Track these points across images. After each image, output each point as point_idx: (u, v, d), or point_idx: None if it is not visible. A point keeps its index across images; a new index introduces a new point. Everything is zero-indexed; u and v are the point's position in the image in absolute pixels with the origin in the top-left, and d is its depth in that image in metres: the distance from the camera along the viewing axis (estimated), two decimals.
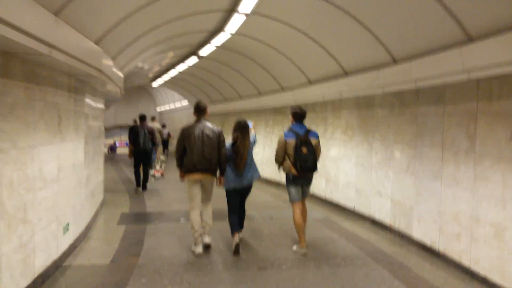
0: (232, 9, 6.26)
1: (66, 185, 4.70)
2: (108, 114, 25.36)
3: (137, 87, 28.24)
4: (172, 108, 24.87)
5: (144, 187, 9.26)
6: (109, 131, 30.19)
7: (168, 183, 10.37)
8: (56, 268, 4.32)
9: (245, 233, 5.73)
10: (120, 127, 30.57)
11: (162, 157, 9.54)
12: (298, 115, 5.14)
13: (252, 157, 5.23)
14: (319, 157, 5.12)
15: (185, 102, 20.71)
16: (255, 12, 6.25)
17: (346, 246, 5.35)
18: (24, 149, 3.51)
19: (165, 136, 18.47)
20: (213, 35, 7.97)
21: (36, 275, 3.80)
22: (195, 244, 5.00)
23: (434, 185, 5.00)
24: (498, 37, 3.72)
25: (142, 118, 9.27)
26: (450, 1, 4.03)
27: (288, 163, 5.00)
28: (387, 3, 4.77)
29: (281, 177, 5.35)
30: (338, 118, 7.64)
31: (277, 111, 10.50)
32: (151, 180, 9.40)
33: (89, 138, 6.11)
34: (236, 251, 4.97)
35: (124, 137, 25.32)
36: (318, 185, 8.37)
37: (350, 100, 7.18)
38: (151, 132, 9.10)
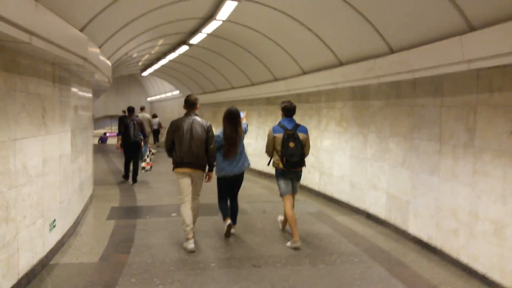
0: None
1: (52, 180, 4.50)
2: (98, 104, 24.97)
3: (128, 77, 27.84)
4: (163, 98, 24.56)
5: (135, 180, 9.11)
6: (99, 121, 29.81)
7: (158, 175, 10.17)
8: (42, 267, 4.14)
9: (238, 227, 5.60)
10: (111, 117, 30.20)
11: (154, 150, 9.37)
12: (288, 110, 5.22)
13: (243, 146, 5.30)
14: (308, 152, 5.23)
15: (176, 92, 20.43)
16: None
17: (341, 242, 5.24)
18: (5, 143, 3.31)
19: (155, 126, 18.34)
20: (204, 22, 7.73)
21: (20, 275, 3.62)
22: (187, 240, 4.86)
23: (431, 179, 4.89)
24: (501, 26, 3.57)
25: (131, 110, 9.13)
26: None
27: (276, 157, 5.12)
28: None
29: (273, 169, 5.31)
30: (333, 109, 7.49)
31: (270, 101, 10.32)
32: (140, 172, 9.24)
33: (77, 129, 5.89)
34: (227, 234, 5.17)
35: (115, 127, 25.01)
36: (312, 178, 8.25)
37: (345, 90, 7.03)
38: (140, 123, 9.03)
